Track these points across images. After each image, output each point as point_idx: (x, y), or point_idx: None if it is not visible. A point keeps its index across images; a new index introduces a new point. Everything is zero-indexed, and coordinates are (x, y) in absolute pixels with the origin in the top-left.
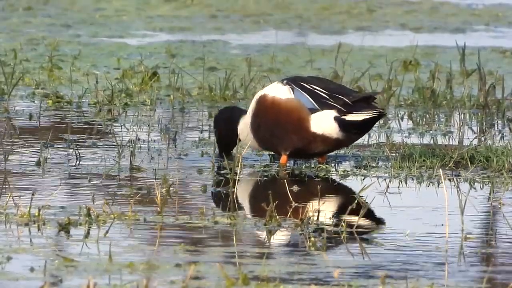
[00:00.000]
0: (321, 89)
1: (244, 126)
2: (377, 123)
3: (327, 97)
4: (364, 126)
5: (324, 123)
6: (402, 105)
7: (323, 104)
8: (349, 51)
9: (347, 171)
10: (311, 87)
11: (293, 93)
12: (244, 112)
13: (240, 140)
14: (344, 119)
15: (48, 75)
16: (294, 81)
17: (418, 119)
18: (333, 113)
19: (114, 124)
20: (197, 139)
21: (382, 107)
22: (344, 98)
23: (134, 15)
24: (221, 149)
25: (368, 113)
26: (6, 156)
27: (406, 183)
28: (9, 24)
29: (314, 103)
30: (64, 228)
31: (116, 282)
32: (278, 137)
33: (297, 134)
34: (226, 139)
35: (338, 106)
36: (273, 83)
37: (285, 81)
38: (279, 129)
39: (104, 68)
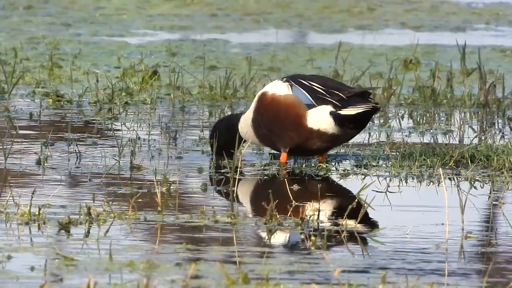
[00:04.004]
0: (318, 85)
1: (244, 123)
2: (373, 118)
3: (324, 92)
4: (359, 121)
5: (320, 118)
6: (403, 104)
7: (319, 100)
8: (350, 50)
9: (348, 170)
10: (309, 83)
11: (292, 89)
12: (242, 113)
13: (242, 138)
14: (339, 113)
15: (49, 74)
16: (293, 79)
17: (418, 118)
18: (328, 108)
19: (115, 123)
20: (197, 138)
21: (377, 101)
22: (340, 94)
23: (135, 14)
24: (219, 149)
25: (362, 107)
26: (7, 155)
27: (406, 182)
28: (9, 23)
29: (311, 99)
30: (65, 227)
31: (116, 281)
32: (277, 134)
33: (294, 130)
34: (226, 136)
35: (333, 101)
36: (273, 81)
37: (284, 79)
38: (278, 125)
39: (104, 67)
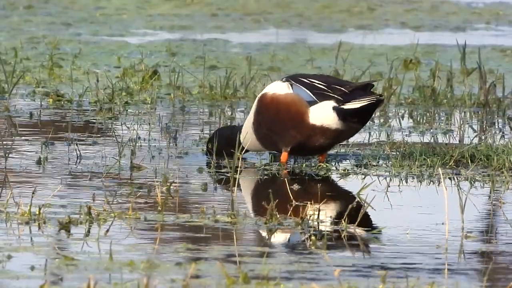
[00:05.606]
0: (319, 82)
1: (245, 129)
2: (374, 118)
3: (325, 88)
4: (363, 114)
5: (323, 114)
6: (403, 104)
7: (321, 96)
8: (350, 50)
9: (348, 170)
10: (310, 81)
11: (292, 88)
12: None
13: (243, 146)
14: (343, 108)
15: (49, 74)
16: (293, 78)
17: (418, 118)
18: (331, 103)
19: (115, 122)
20: (197, 137)
21: (380, 93)
22: (342, 88)
23: (135, 14)
24: (218, 150)
25: (366, 99)
26: (7, 155)
27: (406, 181)
28: (9, 22)
29: (313, 96)
30: (65, 226)
31: (116, 280)
32: (279, 134)
33: (296, 128)
34: (226, 140)
35: (336, 96)
36: (273, 82)
37: (284, 79)
38: (279, 124)
39: (104, 66)
